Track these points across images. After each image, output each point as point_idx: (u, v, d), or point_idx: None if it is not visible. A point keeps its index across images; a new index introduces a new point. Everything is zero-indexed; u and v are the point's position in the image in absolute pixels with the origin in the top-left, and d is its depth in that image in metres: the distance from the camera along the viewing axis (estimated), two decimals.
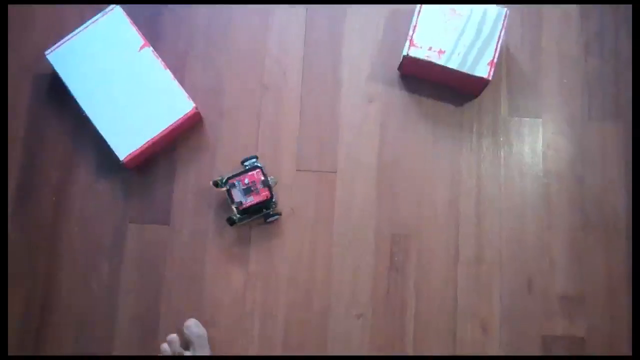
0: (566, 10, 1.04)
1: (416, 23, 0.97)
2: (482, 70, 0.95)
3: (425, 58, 0.96)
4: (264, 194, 0.93)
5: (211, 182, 0.94)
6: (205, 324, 0.94)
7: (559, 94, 1.02)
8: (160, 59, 0.98)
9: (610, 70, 1.02)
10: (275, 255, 0.97)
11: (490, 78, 0.95)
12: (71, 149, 1.00)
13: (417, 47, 0.96)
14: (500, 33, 0.96)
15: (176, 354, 0.89)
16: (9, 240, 0.97)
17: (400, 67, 1.01)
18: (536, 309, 0.95)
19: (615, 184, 0.98)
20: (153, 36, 1.02)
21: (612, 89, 1.01)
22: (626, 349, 0.93)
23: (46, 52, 0.97)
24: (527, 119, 1.01)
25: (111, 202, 0.98)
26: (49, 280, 0.96)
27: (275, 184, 0.96)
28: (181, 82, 0.98)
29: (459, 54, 0.95)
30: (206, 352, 0.90)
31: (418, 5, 0.97)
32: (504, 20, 0.96)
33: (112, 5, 0.99)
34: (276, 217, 0.95)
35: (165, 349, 0.90)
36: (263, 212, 0.95)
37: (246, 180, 0.93)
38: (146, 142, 0.95)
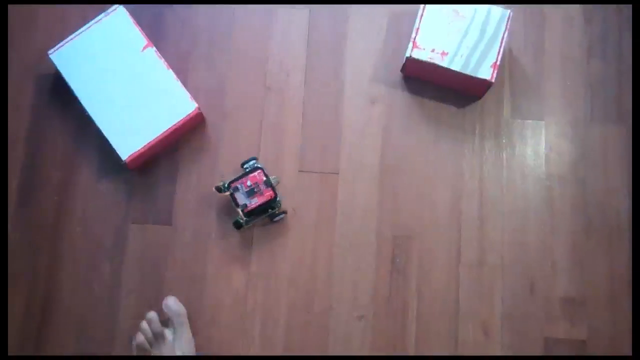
0: (569, 12, 1.04)
1: (419, 25, 0.97)
2: (485, 73, 0.95)
3: (428, 60, 0.95)
4: (268, 194, 0.93)
5: (214, 188, 0.93)
6: (206, 324, 0.94)
7: (562, 96, 1.01)
8: (163, 59, 0.98)
9: (613, 72, 1.02)
10: (277, 255, 0.97)
11: (493, 80, 0.95)
12: (73, 149, 1.00)
13: (420, 48, 0.96)
14: (504, 35, 0.96)
15: (156, 332, 0.89)
16: (11, 240, 0.97)
17: (403, 69, 1.01)
18: (538, 311, 0.95)
19: (618, 186, 0.98)
20: (156, 36, 1.02)
21: (615, 91, 1.01)
22: (628, 352, 0.93)
23: (49, 52, 0.97)
24: (530, 121, 1.01)
25: (113, 202, 0.98)
26: (50, 280, 0.96)
27: (278, 182, 0.95)
28: (184, 82, 0.98)
29: (461, 56, 0.95)
30: (185, 331, 0.91)
31: (421, 8, 0.97)
32: (507, 22, 0.96)
33: (115, 5, 0.99)
34: (282, 215, 0.95)
35: (145, 327, 0.89)
36: (269, 212, 0.95)
37: (248, 183, 0.93)
38: (148, 143, 0.95)
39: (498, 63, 0.95)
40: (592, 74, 1.02)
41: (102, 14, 0.98)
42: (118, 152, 0.94)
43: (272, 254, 0.97)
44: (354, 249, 0.97)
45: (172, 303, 0.92)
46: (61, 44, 0.97)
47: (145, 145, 0.95)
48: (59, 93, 1.00)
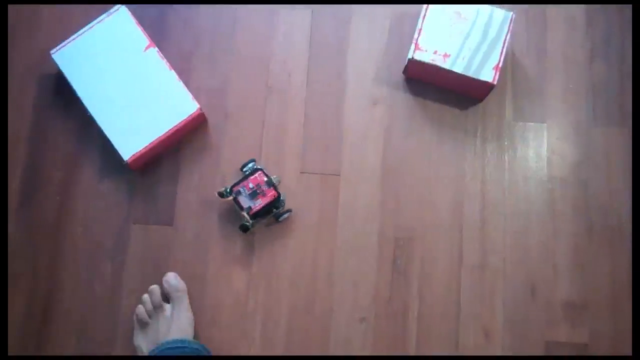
0: (572, 14, 1.04)
1: (421, 26, 0.97)
2: (487, 75, 0.95)
3: (431, 62, 0.95)
4: (271, 194, 0.93)
5: (216, 194, 0.93)
6: (206, 324, 0.94)
7: (564, 98, 1.01)
8: (165, 59, 0.98)
9: (615, 74, 1.01)
10: (278, 256, 0.97)
11: (495, 82, 0.95)
12: (75, 149, 1.00)
13: (422, 50, 0.96)
14: (506, 37, 0.96)
15: (156, 304, 0.91)
16: (12, 240, 0.97)
17: (405, 71, 1.01)
18: (539, 314, 0.94)
19: (620, 189, 0.98)
20: (158, 37, 1.02)
21: (618, 94, 1.01)
22: (629, 355, 0.93)
23: (52, 51, 0.97)
24: (532, 123, 1.01)
25: (115, 202, 0.98)
26: (51, 280, 0.96)
27: (279, 182, 0.95)
28: (186, 83, 0.98)
29: (464, 58, 0.95)
30: (184, 307, 0.91)
31: (423, 9, 0.97)
32: (509, 25, 0.96)
33: (117, 5, 0.99)
34: (287, 214, 0.95)
35: (146, 299, 0.92)
36: (273, 212, 0.95)
37: (250, 185, 0.93)
38: (150, 143, 0.95)
39: (500, 65, 0.95)
40: (595, 76, 1.02)
41: (105, 14, 0.98)
42: (120, 152, 0.94)
43: (273, 254, 0.97)
44: (355, 250, 0.96)
45: (171, 278, 0.93)
46: (64, 43, 0.97)
47: (147, 146, 0.95)
48: (61, 93, 1.01)
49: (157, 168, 1.00)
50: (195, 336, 0.92)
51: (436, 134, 1.00)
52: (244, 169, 0.96)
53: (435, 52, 0.96)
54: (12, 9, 1.04)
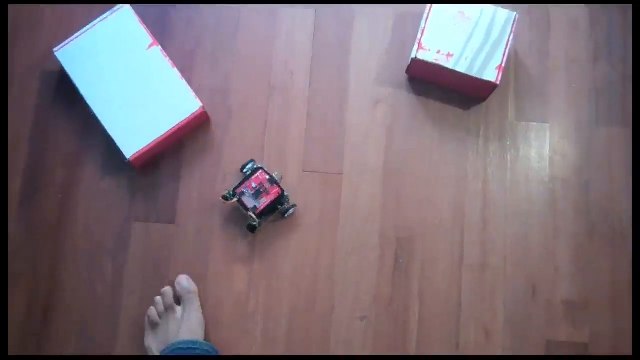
0: (575, 15, 1.04)
1: (425, 26, 0.97)
2: (490, 75, 0.95)
3: (434, 61, 0.95)
4: (275, 191, 0.93)
5: (220, 198, 0.93)
6: (207, 323, 0.93)
7: (567, 99, 1.01)
8: (168, 57, 0.97)
9: (618, 75, 1.02)
10: (279, 256, 0.97)
11: (498, 82, 0.95)
12: (77, 147, 1.00)
13: (426, 50, 0.96)
14: (509, 37, 0.96)
15: (167, 305, 0.91)
16: (13, 239, 0.96)
17: (408, 70, 1.01)
18: (540, 314, 0.95)
19: (622, 190, 0.98)
20: (161, 36, 1.02)
21: (620, 94, 1.01)
22: (629, 355, 0.93)
23: (54, 49, 0.97)
24: (535, 123, 1.01)
25: (117, 200, 0.98)
26: (52, 280, 0.96)
27: (281, 178, 0.95)
28: (189, 81, 0.98)
29: (467, 58, 0.95)
30: (195, 309, 0.91)
31: (427, 9, 0.97)
32: (512, 25, 0.96)
33: (121, 4, 0.99)
34: (292, 209, 0.95)
35: (158, 300, 0.92)
36: (279, 209, 0.95)
37: (253, 185, 0.93)
38: (153, 141, 0.95)
39: (503, 65, 0.95)
40: (598, 77, 1.02)
41: (108, 12, 0.98)
42: (122, 150, 0.94)
43: (274, 254, 0.97)
44: (357, 250, 0.96)
45: (183, 280, 0.93)
46: (66, 41, 0.97)
47: (149, 144, 0.95)
48: (63, 91, 1.00)
49: (159, 166, 0.99)
50: (205, 337, 0.92)
51: (438, 134, 1.01)
52: (244, 170, 0.96)
53: (438, 52, 0.96)
54: (14, 8, 1.04)
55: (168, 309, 0.92)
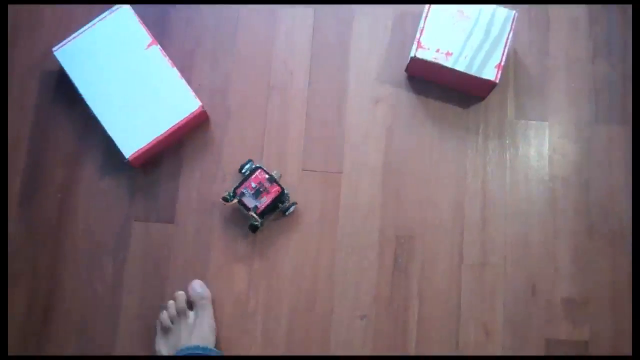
0: (574, 14, 1.04)
1: (424, 25, 0.97)
2: (490, 73, 0.95)
3: (433, 60, 0.95)
4: (275, 190, 0.93)
5: (220, 199, 0.93)
6: None
7: (566, 97, 1.01)
8: (167, 57, 0.97)
9: (618, 74, 1.02)
10: (279, 255, 0.97)
11: (497, 81, 0.95)
12: (77, 147, 1.00)
13: (425, 48, 0.96)
14: (508, 36, 0.96)
15: (179, 310, 0.91)
16: (13, 238, 0.96)
17: (407, 69, 1.01)
18: (540, 312, 0.94)
19: (622, 188, 0.98)
20: (160, 36, 1.01)
21: (620, 93, 1.01)
22: (629, 354, 0.93)
23: (54, 49, 0.97)
24: (534, 122, 1.01)
25: (116, 200, 0.98)
26: (52, 279, 0.95)
27: (280, 176, 0.95)
28: (188, 81, 0.98)
29: (466, 57, 0.95)
30: (207, 314, 0.91)
31: (426, 8, 0.97)
32: (512, 23, 0.96)
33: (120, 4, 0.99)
34: (293, 207, 0.95)
35: (170, 304, 0.92)
36: (280, 207, 0.95)
37: (253, 184, 0.93)
38: (152, 141, 0.95)
39: (502, 64, 0.95)
40: (597, 75, 1.02)
41: (107, 12, 0.98)
42: (121, 149, 0.94)
43: (274, 253, 0.97)
44: (357, 249, 0.96)
45: (197, 285, 0.93)
46: (66, 41, 0.97)
47: (148, 143, 0.95)
48: (62, 90, 1.00)
49: (158, 166, 0.99)
50: (217, 345, 0.92)
51: (438, 132, 1.01)
52: (243, 170, 0.96)
53: (437, 50, 0.96)
54: (14, 8, 1.04)
55: (180, 313, 0.91)
